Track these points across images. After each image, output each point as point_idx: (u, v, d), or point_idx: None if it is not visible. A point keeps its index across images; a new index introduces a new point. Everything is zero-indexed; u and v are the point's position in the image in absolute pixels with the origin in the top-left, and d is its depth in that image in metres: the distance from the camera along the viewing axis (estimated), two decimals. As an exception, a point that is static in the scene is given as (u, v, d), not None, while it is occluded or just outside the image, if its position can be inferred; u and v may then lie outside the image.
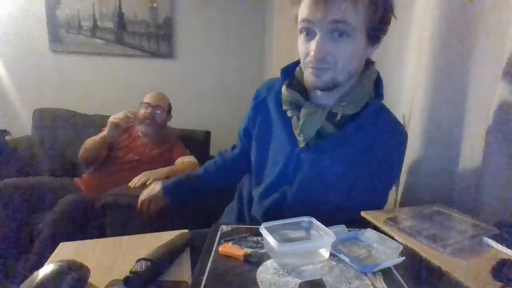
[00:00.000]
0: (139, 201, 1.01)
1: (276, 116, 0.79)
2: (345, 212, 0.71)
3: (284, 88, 0.76)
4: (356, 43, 0.65)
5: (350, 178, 0.74)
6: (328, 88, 0.69)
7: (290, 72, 0.79)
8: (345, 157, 0.73)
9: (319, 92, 0.72)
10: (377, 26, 0.66)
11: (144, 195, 1.00)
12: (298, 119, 0.73)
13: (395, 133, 0.76)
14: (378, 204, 0.76)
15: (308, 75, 0.69)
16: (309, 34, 0.66)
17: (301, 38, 0.68)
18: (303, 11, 0.65)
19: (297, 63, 0.78)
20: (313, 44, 0.65)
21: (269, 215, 0.77)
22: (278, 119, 0.78)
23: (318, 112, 0.71)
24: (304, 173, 0.75)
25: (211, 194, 0.99)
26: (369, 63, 0.75)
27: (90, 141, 1.60)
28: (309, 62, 0.67)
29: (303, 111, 0.72)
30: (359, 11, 0.62)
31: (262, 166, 0.82)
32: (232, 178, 0.98)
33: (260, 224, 0.56)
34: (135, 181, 1.41)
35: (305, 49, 0.68)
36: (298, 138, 0.74)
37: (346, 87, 0.72)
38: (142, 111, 1.70)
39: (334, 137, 0.72)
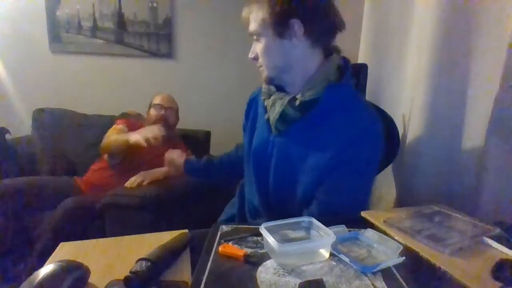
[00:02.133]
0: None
1: (260, 108, 0.88)
2: (319, 197, 0.75)
3: (263, 84, 0.86)
4: (266, 43, 0.76)
5: (319, 163, 0.73)
6: (270, 82, 0.83)
7: None
8: (313, 142, 0.75)
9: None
10: (277, 23, 0.73)
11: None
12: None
13: (366, 122, 0.74)
14: (350, 195, 0.75)
15: None
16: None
17: None
18: None
19: None
20: None
21: (262, 202, 0.85)
22: (261, 110, 0.88)
23: (282, 98, 0.79)
24: (276, 158, 0.80)
25: (221, 179, 1.21)
26: (329, 55, 0.80)
27: (112, 140, 1.49)
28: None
29: (271, 98, 0.82)
30: (257, 18, 0.75)
31: (248, 153, 0.90)
32: (239, 169, 1.02)
33: (258, 219, 0.57)
34: (132, 181, 1.41)
35: None
36: (271, 124, 0.82)
37: (304, 78, 0.78)
38: (154, 112, 1.68)
39: (299, 122, 0.76)
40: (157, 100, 1.71)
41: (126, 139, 1.39)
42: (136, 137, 1.32)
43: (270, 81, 0.83)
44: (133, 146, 1.37)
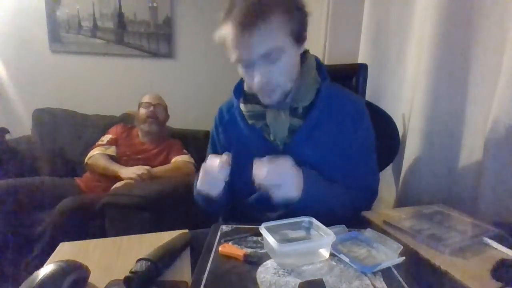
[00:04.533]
0: None
1: (247, 132, 0.81)
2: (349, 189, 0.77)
3: (242, 106, 0.81)
4: (288, 56, 0.69)
5: (336, 157, 0.77)
6: (283, 100, 0.74)
7: (240, 90, 0.83)
8: (323, 141, 0.77)
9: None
10: (299, 29, 0.69)
11: None
12: (267, 125, 0.78)
13: (354, 104, 0.81)
14: (372, 172, 0.83)
15: (261, 97, 0.75)
16: (247, 66, 0.70)
17: (241, 70, 0.73)
18: (232, 52, 0.68)
19: (241, 80, 0.83)
20: (253, 75, 0.69)
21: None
22: (249, 133, 0.80)
23: (281, 114, 0.76)
24: None
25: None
26: (304, 53, 0.79)
27: (101, 166, 1.60)
28: (257, 89, 0.71)
29: (268, 118, 0.77)
30: (281, 30, 0.65)
31: (246, 182, 0.72)
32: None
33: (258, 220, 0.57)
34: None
35: (248, 79, 0.72)
36: (274, 142, 0.78)
37: (295, 83, 0.76)
38: (143, 110, 1.72)
39: (303, 127, 0.76)
40: (145, 99, 1.77)
41: (117, 172, 1.55)
42: (127, 175, 1.52)
43: (285, 98, 0.74)
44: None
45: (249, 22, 0.63)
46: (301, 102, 0.76)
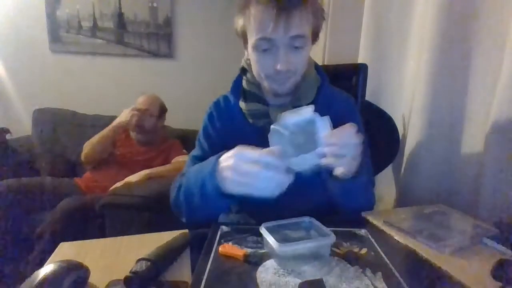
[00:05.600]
0: None
1: (247, 130, 0.79)
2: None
3: (243, 105, 0.80)
4: (308, 49, 0.72)
5: None
6: (291, 92, 0.75)
7: (239, 89, 0.82)
8: None
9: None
10: (318, 28, 0.72)
11: None
12: (270, 124, 0.75)
13: (346, 101, 0.85)
14: (370, 166, 0.84)
15: (269, 85, 0.73)
16: (267, 49, 0.68)
17: (256, 55, 0.70)
18: (260, 29, 0.66)
19: (239, 78, 0.83)
20: (275, 58, 0.68)
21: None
22: (249, 132, 0.78)
23: (286, 111, 0.74)
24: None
25: None
26: None
27: (95, 141, 1.61)
28: (271, 74, 0.71)
29: (273, 116, 0.76)
30: (309, 21, 0.68)
31: None
32: None
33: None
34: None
35: (264, 64, 0.70)
36: None
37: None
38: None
39: None
40: (137, 102, 1.71)
41: (112, 128, 1.59)
42: (124, 115, 1.59)
43: (291, 92, 0.76)
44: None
45: (289, 2, 0.64)
46: (304, 100, 0.77)
